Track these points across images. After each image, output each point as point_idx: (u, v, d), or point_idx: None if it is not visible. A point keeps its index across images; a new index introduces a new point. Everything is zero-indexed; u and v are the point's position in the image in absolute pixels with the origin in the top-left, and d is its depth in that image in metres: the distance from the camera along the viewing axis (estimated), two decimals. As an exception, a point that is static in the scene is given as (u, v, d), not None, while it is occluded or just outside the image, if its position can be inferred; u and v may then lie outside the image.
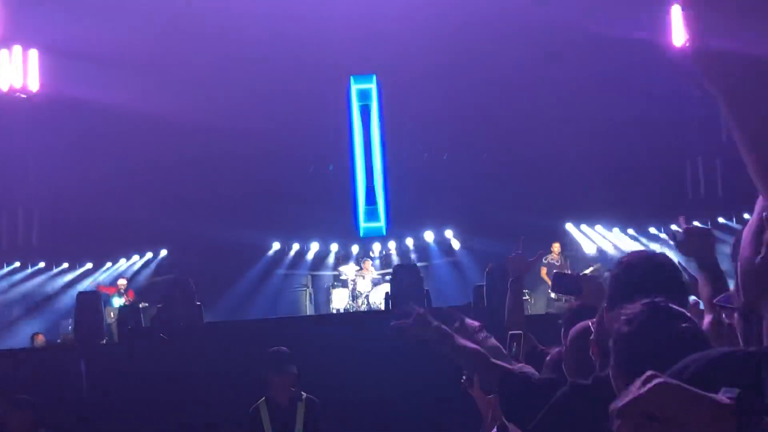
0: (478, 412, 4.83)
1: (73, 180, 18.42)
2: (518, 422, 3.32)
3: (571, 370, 3.30)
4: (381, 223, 19.32)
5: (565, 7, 17.01)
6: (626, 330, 2.19)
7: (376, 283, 15.93)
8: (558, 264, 15.47)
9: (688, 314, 2.27)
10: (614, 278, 2.87)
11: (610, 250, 18.23)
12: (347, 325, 11.80)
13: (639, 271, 2.81)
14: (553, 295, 14.97)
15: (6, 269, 19.41)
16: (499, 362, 3.62)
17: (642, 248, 12.61)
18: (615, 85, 17.50)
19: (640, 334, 2.15)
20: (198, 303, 11.19)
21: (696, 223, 17.37)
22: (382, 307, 13.52)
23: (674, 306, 2.25)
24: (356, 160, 19.97)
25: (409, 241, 19.33)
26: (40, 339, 14.57)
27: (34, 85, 18.81)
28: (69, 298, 16.55)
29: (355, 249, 18.86)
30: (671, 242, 3.66)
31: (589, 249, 18.90)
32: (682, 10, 1.02)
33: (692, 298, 3.22)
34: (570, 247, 18.20)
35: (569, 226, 19.03)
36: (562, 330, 3.63)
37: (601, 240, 19.06)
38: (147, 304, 14.38)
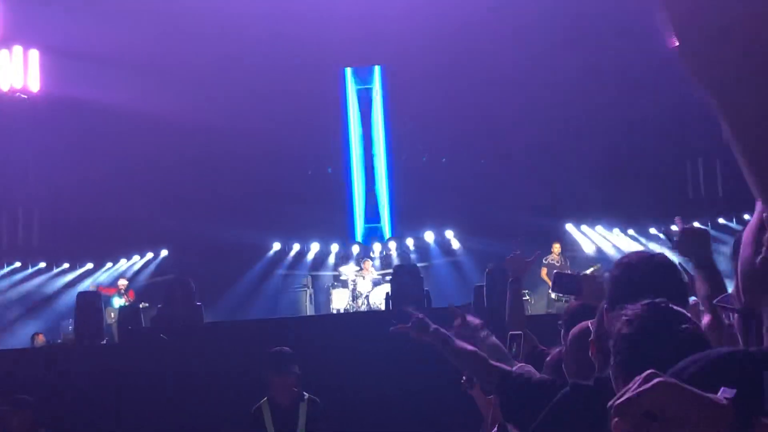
0: (478, 412, 4.84)
1: (73, 180, 18.43)
2: (518, 424, 3.32)
3: (572, 370, 3.30)
4: (383, 225, 19.41)
5: (564, 6, 17.02)
6: (627, 331, 2.19)
7: (376, 284, 15.91)
8: (558, 264, 15.46)
9: (689, 315, 2.27)
10: (614, 279, 2.87)
11: (610, 251, 18.23)
12: (347, 325, 11.80)
13: (639, 272, 2.80)
14: (553, 295, 14.96)
15: (6, 269, 19.42)
16: (497, 364, 3.63)
17: (641, 249, 12.62)
18: (615, 85, 17.51)
19: (641, 334, 2.15)
20: (198, 303, 11.19)
21: (697, 224, 17.33)
22: (383, 308, 13.50)
23: (675, 307, 2.24)
24: (353, 161, 20.02)
25: (410, 242, 19.32)
26: (41, 339, 14.57)
27: (34, 86, 18.83)
28: (69, 298, 16.55)
29: (355, 249, 18.85)
30: (668, 242, 3.66)
31: (588, 249, 18.89)
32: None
33: (692, 298, 3.22)
34: (570, 247, 18.20)
35: (569, 227, 19.03)
36: (562, 331, 3.63)
37: (602, 240, 19.06)
38: (147, 305, 14.38)
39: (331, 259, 19.21)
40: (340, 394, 8.14)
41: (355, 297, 15.87)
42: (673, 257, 3.22)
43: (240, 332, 11.31)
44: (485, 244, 17.19)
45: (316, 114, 19.75)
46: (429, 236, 19.37)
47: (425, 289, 11.46)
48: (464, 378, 4.62)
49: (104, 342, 11.75)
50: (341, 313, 15.45)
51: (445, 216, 19.06)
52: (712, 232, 17.96)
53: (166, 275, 16.93)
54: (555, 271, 9.21)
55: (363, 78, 20.28)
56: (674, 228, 3.59)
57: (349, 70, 20.33)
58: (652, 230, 18.73)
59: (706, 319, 3.03)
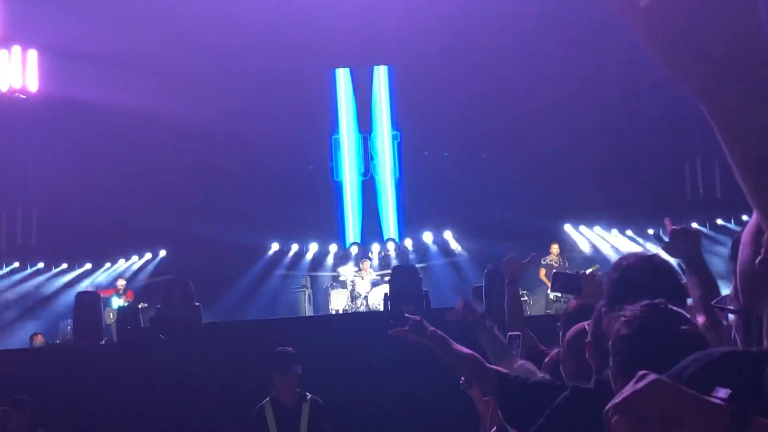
0: (477, 413, 4.84)
1: (72, 180, 18.44)
2: (519, 426, 3.32)
3: (570, 372, 3.30)
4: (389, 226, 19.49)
5: (565, 6, 17.02)
6: (626, 332, 2.19)
7: (375, 284, 15.91)
8: (557, 265, 15.46)
9: (688, 316, 2.27)
10: (612, 281, 2.86)
11: (609, 251, 18.23)
12: (346, 325, 11.80)
13: (637, 273, 2.80)
14: (552, 296, 14.97)
15: (5, 269, 19.41)
16: (494, 367, 3.63)
17: (639, 250, 12.62)
18: (615, 86, 17.52)
19: (640, 335, 2.15)
20: (197, 303, 11.19)
21: (695, 224, 17.25)
22: (381, 308, 13.50)
23: (674, 307, 2.25)
24: (342, 162, 20.04)
25: (408, 242, 19.32)
26: (39, 339, 14.56)
27: (33, 86, 18.83)
28: (68, 298, 16.55)
29: (354, 250, 18.85)
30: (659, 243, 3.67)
31: (586, 250, 18.89)
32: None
33: (690, 299, 3.23)
34: (569, 248, 18.20)
35: (568, 227, 19.03)
36: (561, 332, 3.63)
37: (600, 241, 19.06)
38: (146, 305, 14.37)
39: (330, 260, 19.20)
40: (339, 394, 8.14)
41: (353, 297, 15.87)
42: (671, 258, 3.23)
43: (239, 333, 11.31)
44: (484, 244, 17.21)
45: (316, 114, 19.76)
46: (427, 237, 19.37)
47: (424, 289, 11.46)
48: (463, 378, 4.63)
49: (103, 342, 11.75)
50: (340, 314, 15.45)
51: (444, 216, 19.07)
52: (711, 233, 18.00)
53: (164, 275, 16.92)
54: (554, 270, 9.23)
55: (362, 78, 20.27)
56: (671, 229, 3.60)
57: (340, 71, 20.29)
58: (651, 231, 18.73)
59: (700, 320, 3.03)
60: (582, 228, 19.21)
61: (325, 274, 18.70)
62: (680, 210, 18.19)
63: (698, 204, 18.99)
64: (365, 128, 20.24)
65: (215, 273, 16.81)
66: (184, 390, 9.54)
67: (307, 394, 6.72)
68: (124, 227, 18.37)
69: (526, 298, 13.98)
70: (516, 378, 3.44)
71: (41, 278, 19.45)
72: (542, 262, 15.36)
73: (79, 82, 17.76)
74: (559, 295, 14.32)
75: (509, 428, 3.57)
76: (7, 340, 16.22)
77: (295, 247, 19.67)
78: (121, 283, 16.74)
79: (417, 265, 14.83)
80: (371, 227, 19.62)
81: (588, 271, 4.93)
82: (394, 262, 17.31)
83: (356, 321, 12.93)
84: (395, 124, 20.15)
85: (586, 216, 18.93)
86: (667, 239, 3.49)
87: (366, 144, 20.15)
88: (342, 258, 18.83)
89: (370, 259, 17.48)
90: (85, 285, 18.52)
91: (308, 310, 17.01)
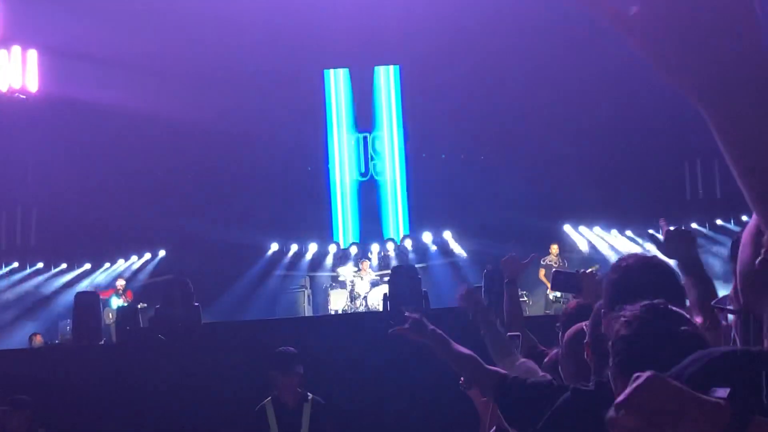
0: (477, 413, 4.84)
1: (71, 180, 18.44)
2: (519, 427, 3.32)
3: (570, 372, 3.30)
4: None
5: (565, 7, 17.02)
6: (625, 332, 2.19)
7: (374, 284, 15.91)
8: (556, 266, 15.46)
9: (688, 316, 2.27)
10: (611, 282, 2.86)
11: (608, 252, 18.23)
12: (345, 326, 11.79)
13: (636, 274, 2.79)
14: (551, 296, 14.99)
15: (4, 269, 19.41)
16: (493, 368, 3.63)
17: (638, 250, 12.61)
18: (614, 86, 17.52)
19: (640, 336, 2.15)
20: (196, 304, 11.18)
21: (694, 224, 17.20)
22: (381, 309, 13.50)
23: (674, 308, 2.25)
24: (339, 162, 20.02)
25: (408, 242, 19.31)
26: (39, 339, 14.55)
27: (33, 86, 18.82)
28: (67, 298, 16.54)
29: (353, 250, 18.85)
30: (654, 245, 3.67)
31: (586, 250, 18.89)
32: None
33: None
34: (568, 248, 18.20)
35: (567, 228, 19.03)
36: (560, 332, 3.64)
37: (599, 241, 19.06)
38: (145, 305, 14.37)
39: (329, 260, 19.20)
40: (339, 394, 8.14)
41: (353, 298, 15.87)
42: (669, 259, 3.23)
43: (238, 333, 11.30)
44: (484, 245, 17.20)
45: (315, 114, 19.76)
46: (427, 237, 19.37)
47: (423, 290, 11.46)
48: (462, 378, 4.63)
49: (102, 342, 11.75)
50: (339, 314, 15.44)
51: (444, 217, 19.07)
52: (710, 234, 18.01)
53: (164, 276, 16.92)
54: (554, 269, 9.22)
55: (362, 78, 20.25)
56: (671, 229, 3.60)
57: (339, 72, 20.27)
58: (650, 231, 18.70)
59: (697, 320, 3.03)
60: (581, 228, 19.21)
61: (325, 274, 18.69)
62: (680, 210, 18.20)
63: (698, 204, 19.00)
64: (365, 128, 20.19)
65: (214, 273, 16.81)
66: (183, 390, 9.54)
67: (309, 394, 6.73)
68: (123, 227, 18.38)
69: (525, 298, 13.98)
70: (515, 379, 3.44)
71: (40, 278, 19.45)
72: (542, 262, 15.37)
73: (79, 82, 17.76)
74: (559, 295, 14.34)
75: (509, 429, 3.57)
76: (7, 340, 16.21)
77: (294, 248, 19.67)
78: (121, 283, 16.75)
79: (416, 266, 14.84)
80: (372, 228, 19.60)
81: (588, 271, 4.92)
82: (394, 263, 17.31)
83: (355, 321, 12.91)
84: (398, 123, 20.09)
85: (586, 216, 18.93)
86: (662, 240, 3.50)
87: (365, 144, 20.10)
88: (341, 258, 18.82)
89: (370, 260, 17.48)
90: (84, 285, 18.52)
91: (307, 311, 17.01)
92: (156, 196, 18.56)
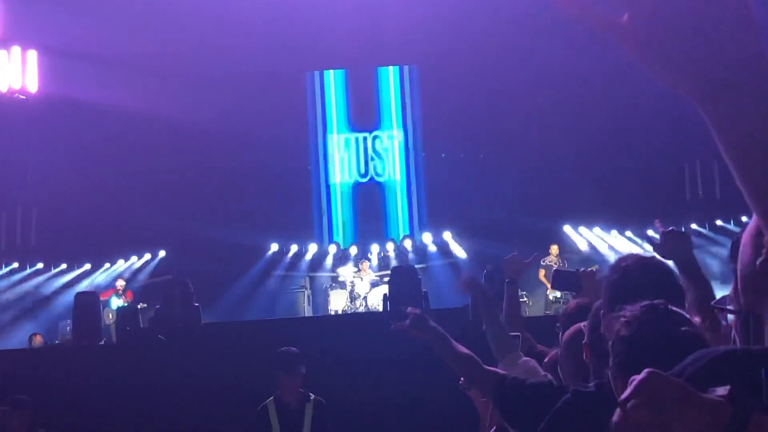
0: (477, 413, 4.84)
1: (71, 181, 18.44)
2: (519, 428, 3.32)
3: (570, 372, 3.30)
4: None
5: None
6: (625, 333, 2.19)
7: (374, 285, 15.91)
8: (556, 266, 15.47)
9: (688, 316, 2.27)
10: (610, 282, 2.85)
11: (608, 252, 18.23)
12: (345, 326, 11.80)
13: (636, 275, 2.78)
14: (551, 297, 14.99)
15: (4, 270, 19.40)
16: (492, 369, 3.62)
17: (638, 251, 12.60)
18: (614, 87, 17.52)
19: (640, 336, 2.15)
20: (196, 304, 11.19)
21: (694, 225, 17.17)
22: (381, 309, 13.51)
23: (674, 308, 2.25)
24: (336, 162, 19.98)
25: (407, 243, 19.31)
26: (39, 340, 14.55)
27: (32, 86, 18.81)
28: (67, 298, 16.54)
29: (353, 251, 18.86)
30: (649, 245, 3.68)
31: (586, 250, 18.89)
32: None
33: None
34: (568, 248, 18.20)
35: (567, 228, 19.03)
36: (560, 332, 3.64)
37: (599, 242, 19.06)
38: (145, 305, 14.37)
39: (329, 261, 19.20)
40: (338, 395, 8.14)
41: (353, 298, 15.87)
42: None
43: (238, 333, 11.32)
44: (484, 245, 17.19)
45: (316, 115, 19.76)
46: (427, 237, 19.37)
47: (423, 290, 11.47)
48: (462, 379, 4.63)
49: (102, 343, 11.75)
50: (339, 315, 15.45)
51: (444, 217, 19.07)
52: (710, 234, 18.01)
53: (164, 276, 16.93)
54: (554, 268, 9.24)
55: (362, 77, 20.24)
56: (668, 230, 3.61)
57: (331, 72, 20.26)
58: (650, 232, 18.72)
59: (695, 321, 3.03)
60: (581, 229, 19.21)
61: (325, 274, 18.70)
62: (679, 211, 18.20)
63: (697, 205, 18.99)
64: (365, 128, 20.14)
65: (214, 273, 16.81)
66: (183, 390, 9.54)
67: (311, 394, 6.74)
68: (123, 228, 18.37)
69: (525, 299, 13.98)
70: (514, 379, 3.43)
71: (40, 278, 19.45)
72: (541, 263, 15.36)
73: (78, 82, 17.76)
74: (558, 296, 14.35)
75: (509, 429, 3.57)
76: (7, 340, 16.21)
77: (294, 248, 19.67)
78: (121, 283, 16.75)
79: (416, 266, 14.84)
80: (372, 228, 19.59)
81: (588, 269, 4.91)
82: (394, 263, 17.32)
83: (355, 322, 12.93)
84: (398, 124, 20.05)
85: (586, 217, 18.93)
86: (657, 241, 3.51)
87: (365, 144, 20.05)
88: (341, 259, 18.83)
89: (370, 260, 17.48)
90: (84, 285, 18.52)
91: (307, 311, 17.01)
92: (156, 196, 18.55)
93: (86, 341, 11.13)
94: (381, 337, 9.97)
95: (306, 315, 16.70)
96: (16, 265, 19.50)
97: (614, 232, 19.06)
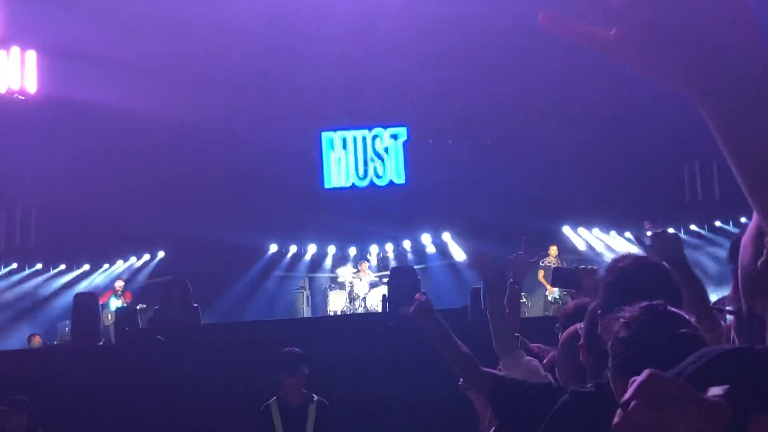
0: (476, 413, 4.84)
1: (70, 181, 18.43)
2: (516, 429, 3.31)
3: (570, 372, 3.30)
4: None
5: (562, 9, 17.00)
6: (624, 334, 2.18)
7: (373, 286, 15.92)
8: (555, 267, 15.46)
9: (687, 317, 2.27)
10: (608, 283, 2.84)
11: (607, 253, 18.23)
12: (344, 327, 11.81)
13: (633, 275, 2.77)
14: (550, 298, 15.01)
15: (3, 270, 19.40)
16: (489, 370, 3.62)
17: (637, 252, 12.59)
18: (614, 87, 17.53)
19: (640, 337, 2.15)
20: (195, 305, 11.19)
21: (693, 227, 17.12)
22: (380, 310, 13.52)
23: (673, 309, 2.24)
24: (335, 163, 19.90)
25: (407, 244, 19.32)
26: (37, 340, 14.55)
27: (32, 87, 18.80)
28: (66, 299, 16.54)
29: (352, 251, 18.86)
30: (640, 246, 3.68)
31: (585, 251, 18.90)
32: None
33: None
34: (567, 249, 18.20)
35: (566, 229, 19.04)
36: (560, 333, 3.63)
37: (598, 243, 19.07)
38: (144, 306, 14.39)
39: (328, 261, 19.21)
40: (337, 395, 8.14)
41: (352, 299, 15.88)
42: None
43: (237, 334, 11.32)
44: (483, 246, 17.14)
45: (315, 114, 19.74)
46: (426, 238, 19.37)
47: (423, 291, 11.46)
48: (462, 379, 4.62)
49: (101, 343, 11.75)
50: (338, 315, 15.46)
51: (443, 218, 19.06)
52: (709, 235, 18.02)
53: (163, 277, 16.93)
54: (553, 266, 9.24)
55: (363, 76, 20.16)
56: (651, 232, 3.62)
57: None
58: (649, 233, 18.67)
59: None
60: (580, 230, 19.21)
61: (324, 275, 18.71)
62: (679, 212, 18.21)
63: (696, 206, 19.00)
64: (366, 125, 19.98)
65: (214, 274, 16.81)
66: (182, 391, 9.54)
67: (314, 395, 6.75)
68: (122, 228, 18.35)
69: (524, 299, 13.99)
70: (512, 380, 3.43)
71: (39, 279, 19.45)
72: (540, 263, 15.34)
73: (78, 83, 17.73)
74: (557, 297, 14.36)
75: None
76: (6, 341, 16.21)
77: (293, 249, 19.67)
78: (120, 284, 16.75)
79: (415, 267, 14.85)
80: (371, 229, 19.55)
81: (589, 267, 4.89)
82: (393, 264, 17.32)
83: (354, 322, 12.94)
84: (400, 122, 19.93)
85: (585, 218, 18.94)
86: (648, 242, 3.51)
87: (365, 145, 19.96)
88: (340, 259, 18.84)
89: (369, 261, 17.49)
90: (83, 286, 18.52)
91: (306, 312, 17.03)
92: (155, 196, 18.53)
93: (85, 342, 11.13)
94: (380, 338, 10.00)
95: (305, 315, 16.72)
96: (15, 265, 19.51)
97: (613, 233, 19.06)
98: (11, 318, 18.09)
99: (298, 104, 19.08)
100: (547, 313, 14.31)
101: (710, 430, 0.97)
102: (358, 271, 16.52)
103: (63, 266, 19.58)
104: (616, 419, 1.01)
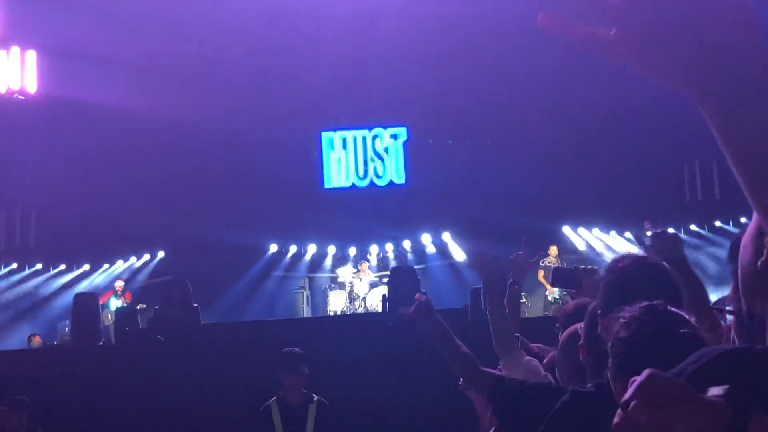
0: (476, 413, 4.84)
1: (70, 181, 18.43)
2: (516, 429, 3.31)
3: (569, 372, 3.30)
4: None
5: (562, 9, 17.00)
6: (624, 334, 2.18)
7: (373, 286, 15.92)
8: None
9: (687, 317, 2.27)
10: (607, 283, 2.85)
11: (607, 253, 18.24)
12: (344, 327, 11.80)
13: (633, 275, 2.77)
14: (550, 298, 15.01)
15: (3, 270, 19.41)
16: (488, 370, 3.61)
17: (636, 252, 12.60)
18: (613, 87, 17.53)
19: (640, 337, 2.15)
20: (195, 305, 11.20)
21: (693, 227, 17.15)
22: (380, 310, 13.52)
23: (673, 309, 2.24)
24: (335, 163, 19.87)
25: (407, 244, 19.32)
26: (37, 340, 14.55)
27: (32, 87, 18.80)
28: (66, 299, 16.54)
29: (352, 251, 18.86)
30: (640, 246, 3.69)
31: (585, 251, 18.90)
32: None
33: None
34: (567, 250, 18.20)
35: (566, 229, 19.04)
36: (560, 333, 3.63)
37: (598, 243, 19.07)
38: (144, 306, 14.39)
39: (328, 261, 19.21)
40: (337, 395, 8.14)
41: (352, 299, 15.88)
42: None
43: (237, 334, 11.31)
44: (483, 246, 17.15)
45: (314, 115, 19.74)
46: (426, 238, 19.37)
47: (422, 291, 11.45)
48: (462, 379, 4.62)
49: (101, 343, 11.75)
50: (338, 315, 15.46)
51: (443, 218, 19.06)
52: (709, 235, 18.02)
53: (163, 277, 16.93)
54: (553, 266, 9.24)
55: (362, 76, 20.16)
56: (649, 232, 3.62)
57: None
58: (649, 233, 18.67)
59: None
60: (580, 230, 19.21)
61: (324, 275, 18.71)
62: (679, 212, 18.22)
63: (696, 206, 19.01)
64: (365, 125, 19.97)
65: (214, 274, 16.81)
66: (182, 391, 9.54)
67: (314, 395, 6.75)
68: (122, 228, 18.36)
69: (524, 299, 14.00)
70: (512, 381, 3.42)
71: (39, 279, 19.45)
72: (540, 263, 15.35)
73: (78, 82, 17.74)
74: (557, 297, 14.36)
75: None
76: (6, 340, 16.21)
77: (293, 249, 19.67)
78: (120, 284, 16.74)
79: (415, 267, 14.85)
80: (371, 229, 19.55)
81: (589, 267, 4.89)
82: (393, 264, 17.32)
83: (354, 322, 12.94)
84: (400, 122, 19.91)
85: (585, 218, 18.94)
86: (648, 242, 3.52)
87: (364, 145, 19.95)
88: (340, 259, 18.84)
89: (369, 261, 17.49)
90: (83, 286, 18.52)
91: (306, 312, 17.03)
92: (155, 196, 18.54)
93: (85, 342, 11.13)
94: (380, 338, 10.00)
95: (305, 315, 16.71)
96: (15, 265, 19.51)
97: (613, 233, 19.06)
98: (11, 318, 18.10)
99: (298, 104, 19.06)
100: (547, 313, 14.31)
101: (710, 430, 0.97)
102: (358, 271, 16.52)
103: (63, 266, 19.58)
104: (616, 419, 1.01)
